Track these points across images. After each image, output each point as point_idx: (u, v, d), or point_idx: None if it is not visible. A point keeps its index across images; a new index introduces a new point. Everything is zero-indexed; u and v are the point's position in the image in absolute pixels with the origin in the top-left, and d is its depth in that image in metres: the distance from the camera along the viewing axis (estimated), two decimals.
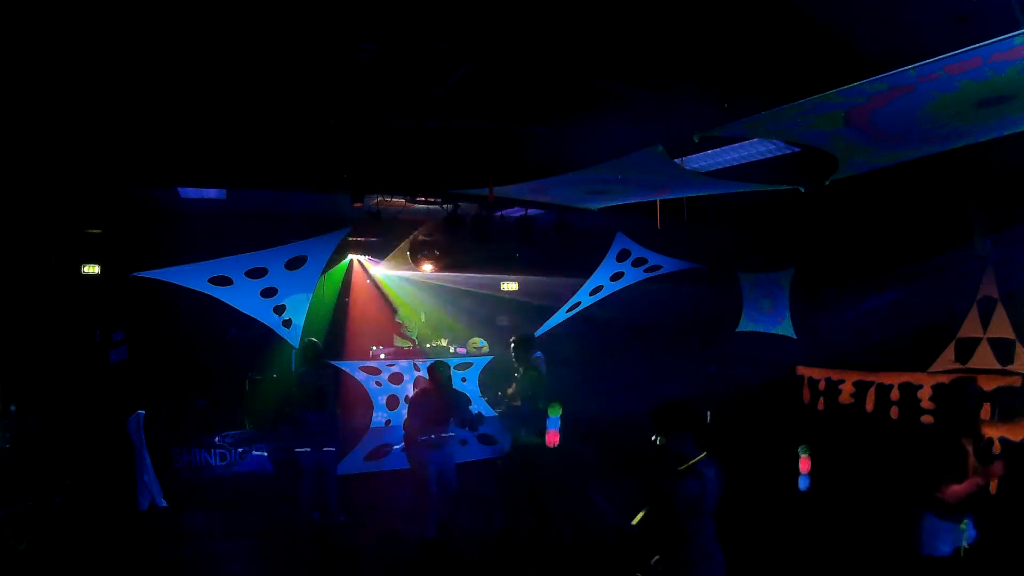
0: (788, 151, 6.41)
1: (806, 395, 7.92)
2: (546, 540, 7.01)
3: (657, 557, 3.78)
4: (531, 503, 7.27)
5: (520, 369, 7.64)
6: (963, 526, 4.36)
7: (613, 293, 10.02)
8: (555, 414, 6.70)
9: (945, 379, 6.74)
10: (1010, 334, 6.75)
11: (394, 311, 11.00)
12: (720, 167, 7.09)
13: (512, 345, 7.83)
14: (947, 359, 7.17)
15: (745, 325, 10.17)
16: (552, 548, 6.88)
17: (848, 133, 4.52)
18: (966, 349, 7.07)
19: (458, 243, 9.20)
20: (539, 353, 9.37)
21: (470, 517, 7.50)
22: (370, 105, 5.98)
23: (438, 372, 7.12)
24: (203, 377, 9.73)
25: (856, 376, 7.40)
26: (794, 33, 4.30)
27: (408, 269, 10.78)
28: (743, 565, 4.35)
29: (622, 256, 9.41)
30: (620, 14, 4.26)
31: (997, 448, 5.94)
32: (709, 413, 3.85)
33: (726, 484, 3.82)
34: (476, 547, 7.03)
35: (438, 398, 7.09)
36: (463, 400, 7.45)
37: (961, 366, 7.03)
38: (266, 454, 9.25)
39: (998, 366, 6.77)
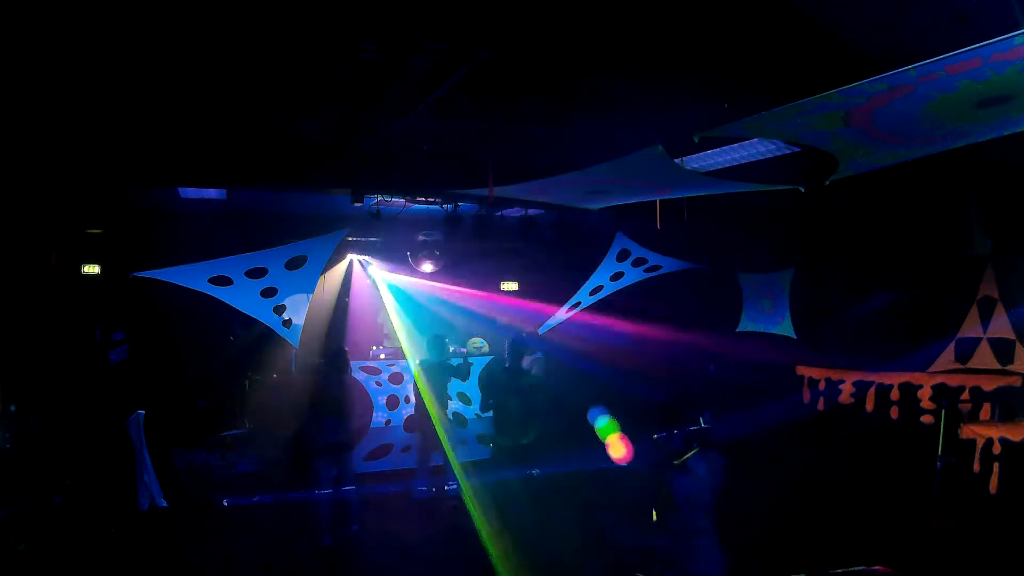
0: (788, 151, 6.41)
1: (806, 395, 7.90)
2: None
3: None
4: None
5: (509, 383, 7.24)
6: None
7: (612, 293, 10.01)
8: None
9: (945, 379, 6.73)
10: (1010, 334, 6.74)
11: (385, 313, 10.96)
12: (720, 167, 7.09)
13: (508, 350, 7.35)
14: (947, 359, 7.17)
15: (745, 325, 10.15)
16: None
17: (848, 133, 4.51)
18: (966, 349, 7.06)
19: (458, 243, 9.18)
20: (539, 354, 9.36)
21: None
22: (370, 105, 5.97)
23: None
24: (203, 377, 9.72)
25: (856, 376, 7.37)
26: (794, 33, 4.30)
27: (408, 269, 10.77)
28: (742, 561, 4.37)
29: (622, 256, 9.40)
30: (620, 13, 4.26)
31: (997, 448, 5.92)
32: (703, 417, 3.83)
33: (726, 481, 3.85)
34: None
35: None
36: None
37: (961, 366, 7.03)
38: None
39: (998, 366, 6.76)
